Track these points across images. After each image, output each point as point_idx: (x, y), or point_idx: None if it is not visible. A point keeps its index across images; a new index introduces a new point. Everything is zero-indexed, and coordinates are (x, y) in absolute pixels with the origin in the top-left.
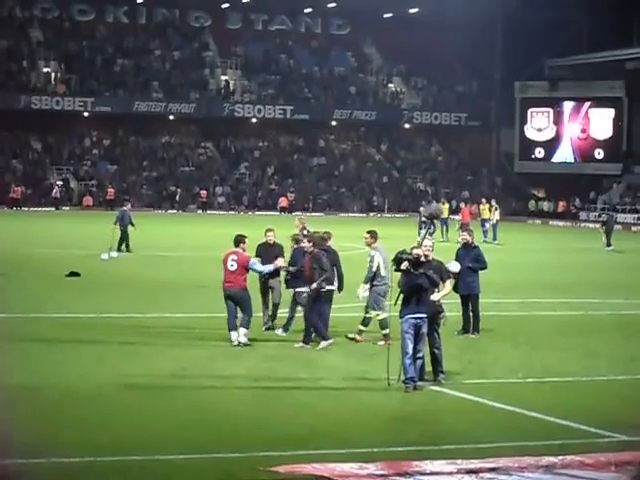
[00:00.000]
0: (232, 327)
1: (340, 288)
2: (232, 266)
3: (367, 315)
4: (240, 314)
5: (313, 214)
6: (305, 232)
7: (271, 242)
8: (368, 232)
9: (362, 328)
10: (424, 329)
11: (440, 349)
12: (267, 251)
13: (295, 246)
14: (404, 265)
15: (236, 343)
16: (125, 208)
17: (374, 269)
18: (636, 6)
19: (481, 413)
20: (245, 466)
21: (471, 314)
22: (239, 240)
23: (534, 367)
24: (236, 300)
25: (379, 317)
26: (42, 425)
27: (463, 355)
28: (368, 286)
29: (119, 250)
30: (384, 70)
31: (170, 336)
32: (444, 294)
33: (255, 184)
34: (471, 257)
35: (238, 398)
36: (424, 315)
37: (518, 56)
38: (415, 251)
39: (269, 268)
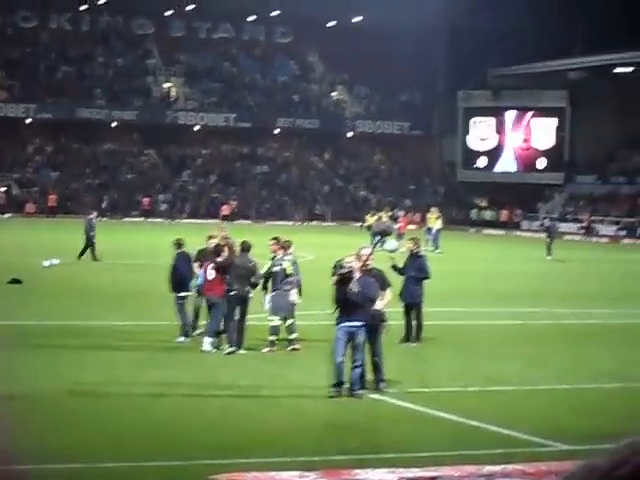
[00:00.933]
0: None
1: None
2: (210, 275)
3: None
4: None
5: (255, 222)
6: (226, 240)
7: (212, 249)
8: (274, 239)
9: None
10: (359, 338)
11: (381, 358)
12: (207, 258)
13: (178, 251)
14: (334, 280)
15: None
16: (91, 217)
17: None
18: (579, 16)
19: (422, 422)
20: (188, 474)
21: (414, 323)
22: (219, 250)
23: (476, 376)
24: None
25: (272, 323)
26: None
27: (405, 364)
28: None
29: (79, 258)
30: (327, 78)
31: (111, 343)
32: (385, 302)
33: (198, 192)
34: (415, 266)
35: (181, 406)
36: (358, 324)
37: (462, 65)
38: (348, 265)
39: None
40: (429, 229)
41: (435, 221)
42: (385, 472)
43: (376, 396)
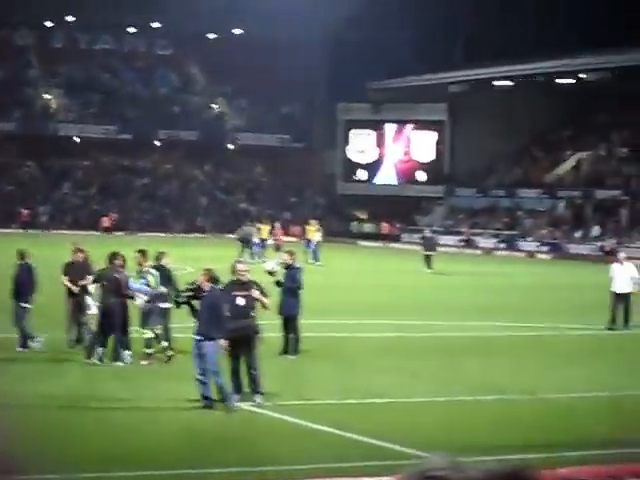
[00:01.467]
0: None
1: None
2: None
3: (146, 335)
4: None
5: (136, 234)
6: (80, 253)
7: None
8: (139, 251)
9: (149, 351)
10: (203, 350)
11: (257, 370)
12: (74, 269)
13: (20, 262)
14: (182, 300)
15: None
16: None
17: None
18: (458, 30)
19: (299, 434)
20: None
21: (291, 335)
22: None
23: (353, 388)
24: None
25: (145, 335)
26: None
27: (282, 376)
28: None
29: None
30: (208, 91)
31: None
32: (264, 300)
33: (78, 204)
34: (289, 278)
35: (58, 418)
36: (199, 337)
37: (342, 78)
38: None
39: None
40: (308, 241)
41: (314, 233)
42: None
43: (253, 409)
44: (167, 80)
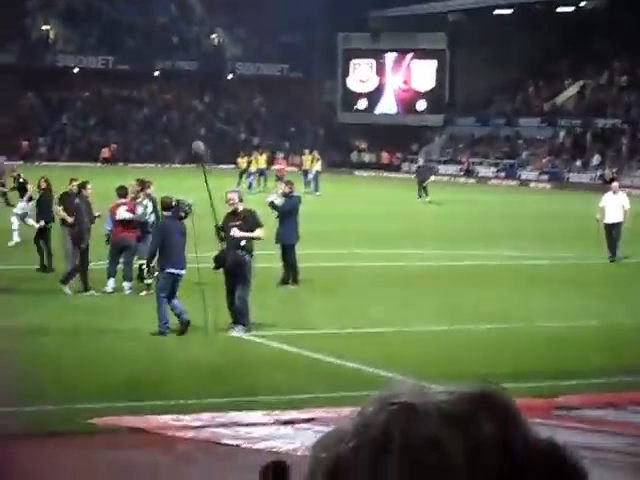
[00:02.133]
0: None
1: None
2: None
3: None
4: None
5: (136, 165)
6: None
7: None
8: (137, 180)
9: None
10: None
11: (243, 301)
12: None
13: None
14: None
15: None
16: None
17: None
18: None
19: (299, 364)
20: (63, 418)
21: (290, 265)
22: (125, 192)
23: (353, 318)
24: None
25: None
26: None
27: (282, 306)
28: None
29: None
30: (207, 20)
31: None
32: (249, 235)
33: (77, 135)
34: (287, 207)
35: (56, 349)
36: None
37: (342, 7)
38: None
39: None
40: (305, 172)
41: (312, 163)
42: (261, 414)
43: (252, 338)
44: (165, 10)
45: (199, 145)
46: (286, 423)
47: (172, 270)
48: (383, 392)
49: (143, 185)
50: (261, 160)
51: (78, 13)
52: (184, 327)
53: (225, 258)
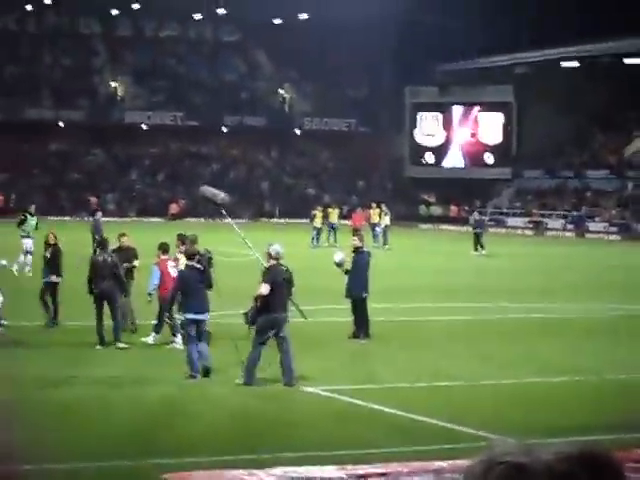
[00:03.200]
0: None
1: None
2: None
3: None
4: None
5: (203, 220)
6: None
7: (124, 246)
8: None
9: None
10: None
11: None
12: (120, 254)
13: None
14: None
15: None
16: (97, 217)
17: None
18: (524, 11)
19: (370, 418)
20: (137, 474)
21: (360, 319)
22: (167, 248)
23: (424, 372)
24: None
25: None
26: None
27: (352, 360)
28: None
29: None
30: (275, 76)
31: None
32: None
33: (146, 191)
34: (357, 261)
35: (125, 402)
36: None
37: (409, 61)
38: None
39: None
40: (373, 225)
41: (381, 217)
42: (334, 469)
43: (324, 393)
44: (233, 66)
45: (209, 190)
46: (359, 477)
47: (193, 316)
48: (489, 451)
49: (183, 240)
50: (333, 214)
51: (146, 70)
52: (204, 373)
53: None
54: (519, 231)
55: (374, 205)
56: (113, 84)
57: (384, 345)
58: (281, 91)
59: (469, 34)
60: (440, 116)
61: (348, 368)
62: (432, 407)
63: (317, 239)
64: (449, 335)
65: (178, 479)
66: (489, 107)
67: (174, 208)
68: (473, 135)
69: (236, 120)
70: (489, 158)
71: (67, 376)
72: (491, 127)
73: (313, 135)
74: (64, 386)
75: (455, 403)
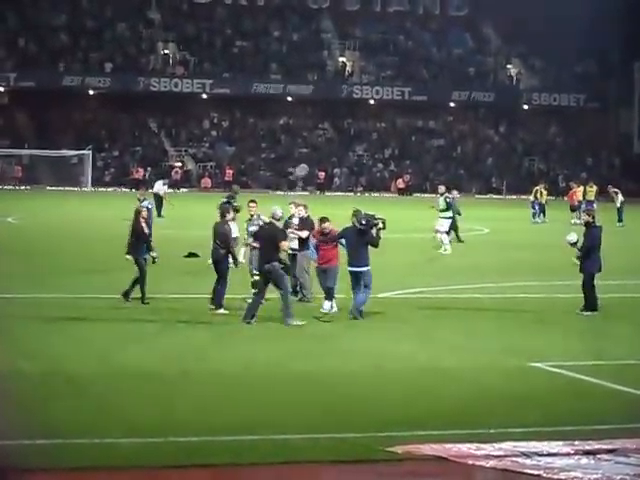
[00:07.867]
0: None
1: None
2: None
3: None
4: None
5: (431, 195)
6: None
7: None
8: (252, 201)
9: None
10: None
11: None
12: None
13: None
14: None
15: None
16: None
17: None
18: None
19: (600, 395)
20: (363, 446)
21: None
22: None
23: None
24: None
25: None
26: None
27: (581, 336)
28: None
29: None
30: (503, 51)
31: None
32: None
33: (372, 165)
34: (589, 236)
35: (354, 379)
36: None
37: (637, 36)
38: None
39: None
40: (588, 202)
41: (594, 195)
42: (562, 445)
43: (552, 369)
44: (461, 41)
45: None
46: (587, 454)
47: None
48: None
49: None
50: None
51: (374, 45)
52: None
53: None
54: None
55: (591, 183)
56: (341, 59)
57: (613, 321)
58: (509, 66)
59: None
60: None
61: (575, 344)
62: None
63: (539, 215)
64: None
65: (405, 452)
66: None
67: (401, 183)
68: None
69: (464, 95)
70: None
71: (303, 351)
72: None
73: (541, 111)
74: (302, 360)
75: None
